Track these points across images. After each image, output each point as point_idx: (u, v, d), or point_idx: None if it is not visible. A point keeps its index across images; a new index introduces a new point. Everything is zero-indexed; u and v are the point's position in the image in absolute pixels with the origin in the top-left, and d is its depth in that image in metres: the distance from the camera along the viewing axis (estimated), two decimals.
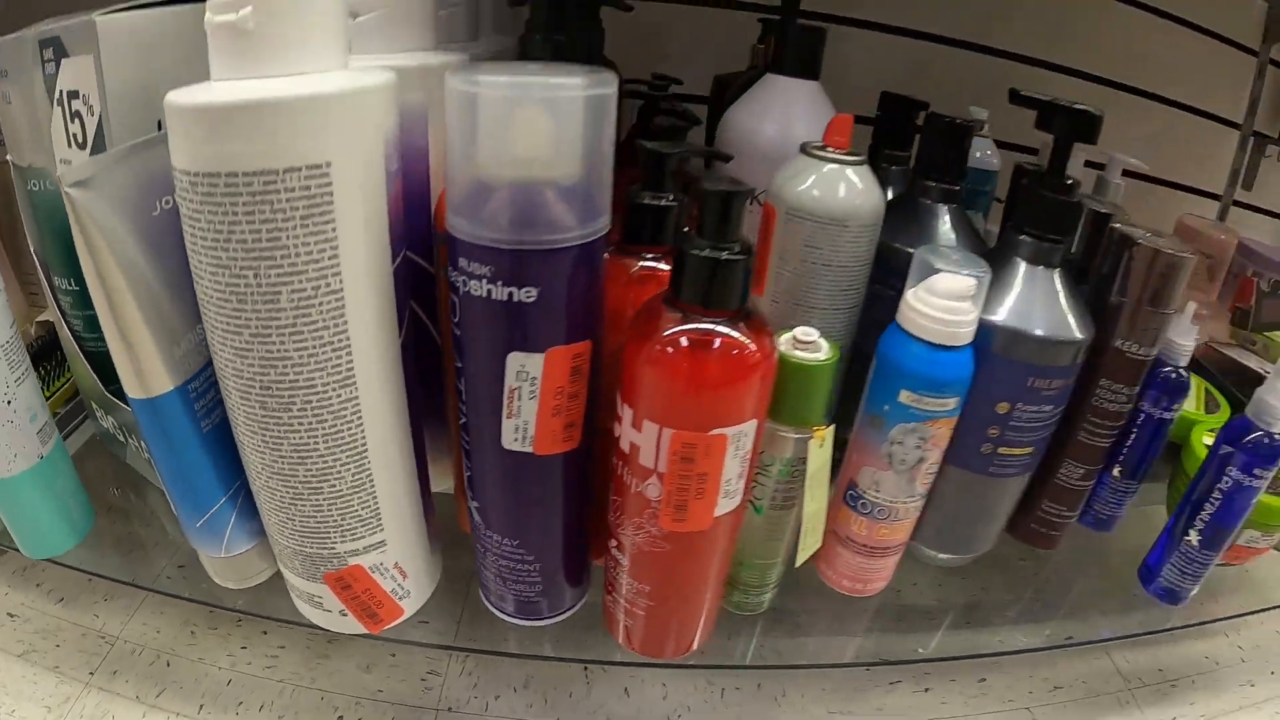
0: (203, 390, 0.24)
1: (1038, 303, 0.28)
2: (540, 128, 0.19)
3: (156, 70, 0.26)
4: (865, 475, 0.28)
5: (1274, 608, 0.45)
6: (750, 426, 0.22)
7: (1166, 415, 0.35)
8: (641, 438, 0.22)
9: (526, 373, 0.22)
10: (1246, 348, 0.52)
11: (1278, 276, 0.52)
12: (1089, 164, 0.50)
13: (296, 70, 0.19)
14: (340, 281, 0.20)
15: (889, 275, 0.32)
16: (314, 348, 0.21)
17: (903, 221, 0.33)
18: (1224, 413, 0.44)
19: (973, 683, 0.45)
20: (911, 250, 0.32)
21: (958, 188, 0.33)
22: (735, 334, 0.21)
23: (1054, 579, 0.40)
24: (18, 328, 0.27)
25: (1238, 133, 0.66)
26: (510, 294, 0.20)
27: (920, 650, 0.35)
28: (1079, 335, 0.28)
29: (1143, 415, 0.35)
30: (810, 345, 0.24)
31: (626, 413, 0.22)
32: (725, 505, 0.23)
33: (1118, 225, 0.31)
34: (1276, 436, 0.32)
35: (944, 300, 0.25)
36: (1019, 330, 0.27)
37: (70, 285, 0.31)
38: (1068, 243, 0.28)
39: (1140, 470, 0.37)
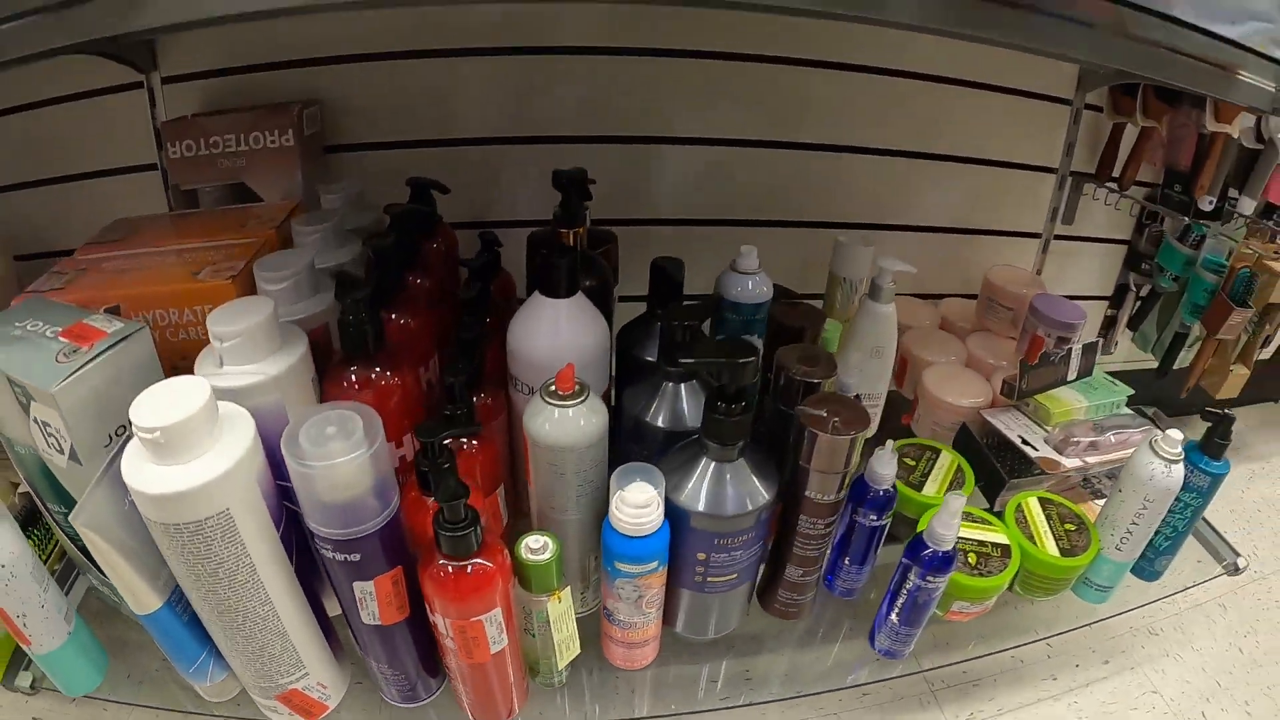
0: (180, 597, 0.48)
1: (721, 488, 0.48)
2: (340, 478, 0.41)
3: (109, 395, 0.47)
4: (609, 603, 0.51)
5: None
6: (497, 611, 0.45)
7: (878, 524, 0.56)
8: (437, 618, 0.45)
9: (366, 589, 0.45)
10: (1020, 410, 0.70)
11: (1061, 334, 0.69)
12: None
13: (195, 456, 0.40)
14: (250, 559, 0.43)
15: (640, 445, 0.53)
16: (244, 591, 0.44)
17: (651, 399, 0.53)
18: (967, 489, 0.64)
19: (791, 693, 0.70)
20: (660, 425, 0.53)
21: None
22: (477, 562, 0.43)
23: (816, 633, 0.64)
24: (45, 566, 0.50)
25: (1054, 176, 0.81)
26: (345, 557, 0.43)
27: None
28: (756, 504, 0.49)
29: (858, 525, 0.56)
30: (538, 550, 0.46)
31: (427, 603, 0.45)
32: (497, 646, 0.46)
33: (802, 409, 0.51)
34: (945, 552, 0.53)
35: (632, 507, 0.46)
36: (703, 512, 0.48)
37: (60, 509, 0.53)
38: (744, 442, 0.48)
39: (866, 559, 0.58)
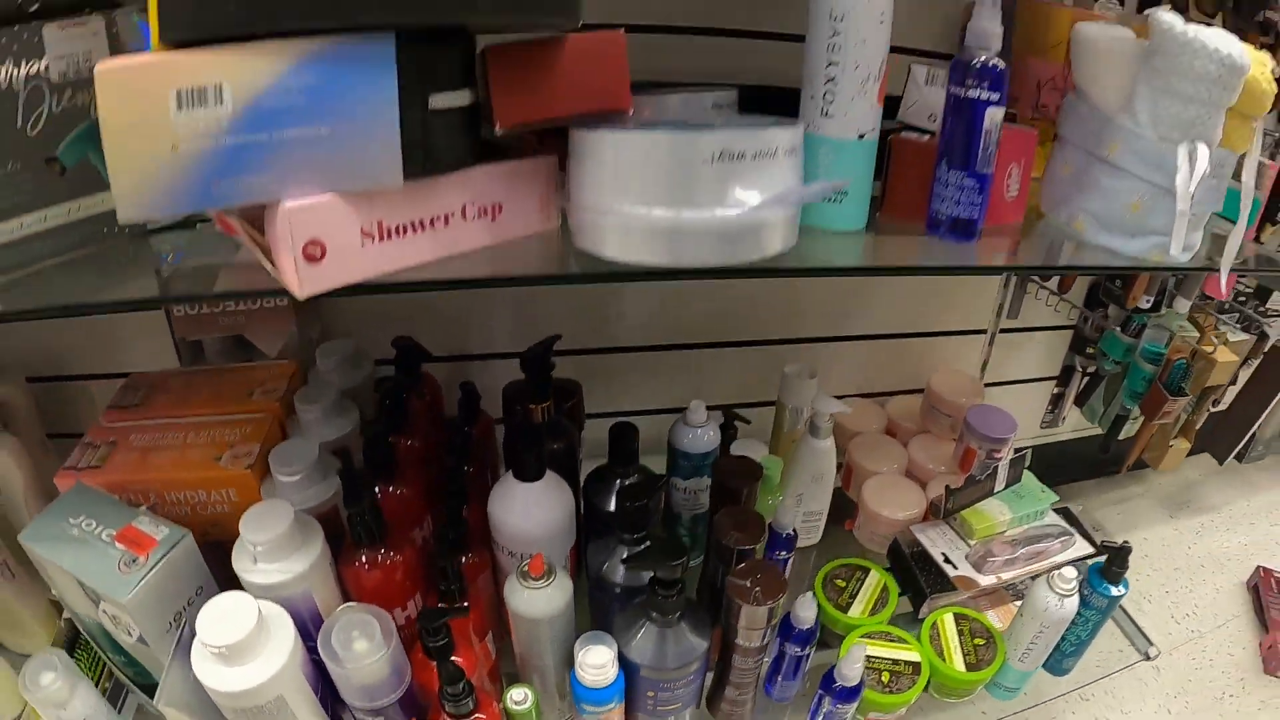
0: None
1: (664, 647, 0.67)
2: (366, 671, 0.59)
3: (166, 590, 0.65)
4: None
5: None
6: None
7: (803, 654, 0.75)
8: None
9: None
10: (949, 523, 0.87)
11: (993, 447, 0.85)
12: None
13: (252, 659, 0.59)
14: None
15: (602, 594, 0.72)
16: None
17: (608, 558, 0.71)
18: (890, 608, 0.82)
19: None
20: (617, 582, 0.71)
21: (645, 533, 0.70)
22: (475, 716, 0.62)
23: None
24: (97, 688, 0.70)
25: (999, 277, 0.94)
26: (376, 712, 0.62)
27: None
28: (694, 657, 0.67)
29: (786, 655, 0.75)
30: (520, 700, 0.65)
31: None
32: None
33: (731, 579, 0.68)
34: (852, 686, 0.71)
35: (592, 667, 0.65)
36: (649, 666, 0.67)
37: (119, 658, 0.72)
38: (681, 610, 0.66)
39: (797, 675, 0.77)
